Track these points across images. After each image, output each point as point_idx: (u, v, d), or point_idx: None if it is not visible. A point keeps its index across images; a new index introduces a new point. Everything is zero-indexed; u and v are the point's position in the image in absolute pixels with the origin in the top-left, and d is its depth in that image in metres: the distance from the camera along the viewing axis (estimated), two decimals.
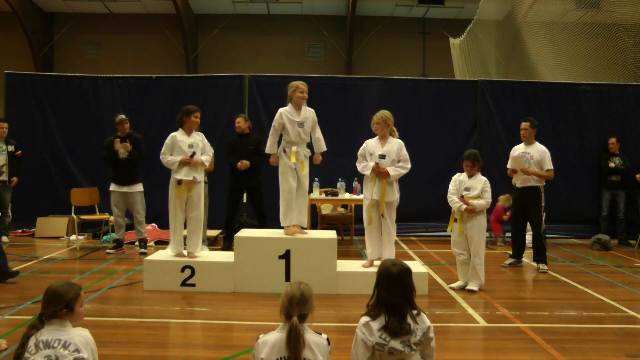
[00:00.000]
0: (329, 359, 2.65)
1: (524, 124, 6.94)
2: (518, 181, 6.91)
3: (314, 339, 2.61)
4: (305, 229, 6.04)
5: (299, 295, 2.60)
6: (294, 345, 2.51)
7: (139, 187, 7.66)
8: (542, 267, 6.76)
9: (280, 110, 5.77)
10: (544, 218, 6.85)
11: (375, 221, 5.66)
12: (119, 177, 7.55)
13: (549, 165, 6.77)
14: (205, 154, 6.04)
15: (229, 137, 8.14)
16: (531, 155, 6.78)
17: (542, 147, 6.86)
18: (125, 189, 7.55)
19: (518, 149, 6.97)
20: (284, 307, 2.62)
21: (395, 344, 2.65)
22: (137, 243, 7.81)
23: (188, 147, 5.88)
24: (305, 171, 5.81)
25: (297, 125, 5.69)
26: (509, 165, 7.02)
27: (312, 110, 5.81)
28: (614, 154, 9.17)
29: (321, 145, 5.87)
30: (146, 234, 7.83)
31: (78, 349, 2.59)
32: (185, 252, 5.89)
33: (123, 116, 7.66)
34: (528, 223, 7.10)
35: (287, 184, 5.77)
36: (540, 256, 6.84)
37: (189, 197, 5.88)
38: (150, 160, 8.01)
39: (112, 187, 7.60)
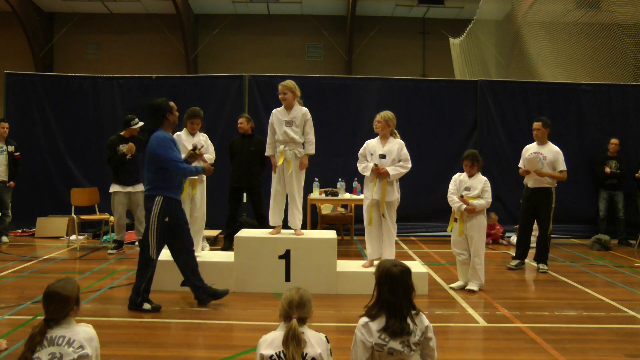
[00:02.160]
0: (330, 357, 2.69)
1: (536, 124, 6.83)
2: (530, 181, 6.82)
3: (314, 335, 2.68)
4: (303, 229, 6.04)
5: (297, 298, 2.68)
6: (292, 344, 2.56)
7: (141, 187, 7.67)
8: (543, 267, 6.74)
9: (273, 110, 5.83)
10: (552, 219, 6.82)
11: (375, 221, 5.66)
12: (124, 178, 7.55)
13: (562, 166, 6.69)
14: (208, 154, 6.08)
15: (229, 137, 8.14)
16: (544, 156, 6.71)
17: (556, 148, 6.77)
18: (129, 189, 7.58)
19: (530, 149, 6.86)
20: (283, 310, 2.69)
21: (395, 344, 2.65)
22: (137, 243, 7.81)
23: (191, 146, 5.92)
24: (291, 171, 5.70)
25: (284, 125, 5.67)
26: (521, 165, 6.94)
27: (305, 109, 5.75)
28: (612, 156, 9.11)
29: (308, 147, 5.75)
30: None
31: (82, 345, 2.60)
32: None
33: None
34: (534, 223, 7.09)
35: (273, 185, 5.83)
36: (542, 256, 6.81)
37: (193, 196, 5.89)
38: None
39: (116, 188, 7.59)
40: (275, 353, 2.58)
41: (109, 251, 7.62)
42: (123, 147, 7.55)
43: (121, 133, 7.66)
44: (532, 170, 6.72)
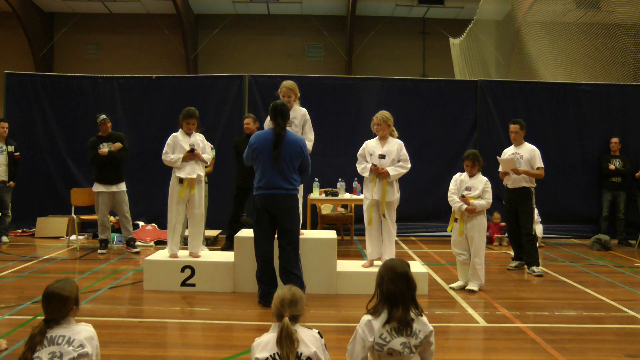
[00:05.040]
0: (326, 351, 2.69)
1: (513, 126, 6.87)
2: (509, 182, 6.84)
3: (306, 333, 2.68)
4: (303, 229, 6.03)
5: (289, 296, 2.68)
6: (285, 343, 2.56)
7: (124, 186, 7.70)
8: (536, 269, 6.60)
9: None
10: (536, 219, 6.79)
11: (375, 221, 5.66)
12: (106, 177, 7.55)
13: (539, 163, 6.70)
14: (206, 154, 6.08)
15: (229, 137, 8.14)
16: (521, 155, 6.73)
17: (532, 147, 6.80)
18: (113, 189, 7.58)
19: (508, 151, 6.95)
20: (276, 309, 2.69)
21: (395, 344, 2.64)
22: (123, 241, 7.82)
23: (188, 147, 5.93)
24: None
25: None
26: (500, 169, 6.96)
27: (304, 110, 5.78)
28: (615, 155, 9.17)
29: (309, 145, 5.74)
30: (142, 234, 7.84)
31: (82, 344, 2.61)
32: (179, 254, 5.89)
33: (104, 116, 7.67)
34: None
35: None
36: (531, 258, 6.68)
37: (191, 196, 5.90)
38: (150, 160, 8.02)
39: (99, 187, 7.58)
40: (270, 355, 2.57)
41: (99, 252, 7.60)
42: (104, 147, 7.57)
43: (100, 133, 7.67)
44: (509, 170, 6.72)
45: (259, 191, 4.98)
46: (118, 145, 7.53)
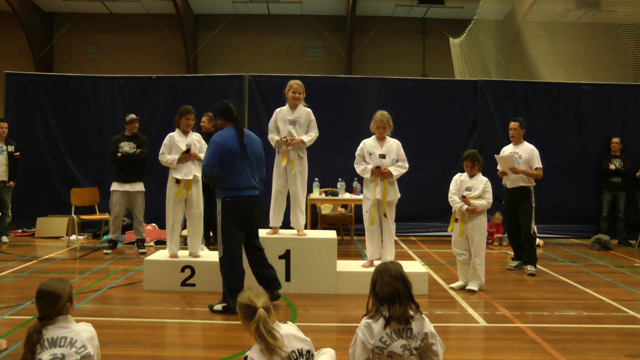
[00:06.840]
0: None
1: (513, 124, 6.87)
2: (508, 182, 6.85)
3: (287, 328, 2.65)
4: (305, 229, 6.04)
5: (251, 290, 2.70)
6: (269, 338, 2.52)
7: (140, 187, 7.67)
8: (530, 268, 6.60)
9: (277, 109, 5.81)
10: (533, 219, 6.79)
11: (375, 221, 5.66)
12: (121, 176, 7.58)
13: (537, 163, 6.69)
14: (203, 153, 6.08)
15: None
16: (520, 155, 6.73)
17: (531, 146, 6.79)
18: (126, 187, 7.57)
19: (507, 150, 6.94)
20: (246, 308, 2.63)
21: (395, 347, 2.63)
22: (136, 244, 7.81)
23: (185, 147, 5.93)
24: (295, 171, 5.69)
25: (288, 124, 5.66)
26: (499, 168, 6.96)
27: (309, 110, 5.78)
28: (615, 155, 9.17)
29: (305, 137, 5.69)
30: (145, 234, 7.85)
31: (84, 345, 2.61)
32: (179, 254, 5.89)
33: (133, 116, 7.74)
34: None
35: (274, 185, 5.78)
36: (528, 257, 6.68)
37: (189, 196, 5.90)
38: (150, 160, 8.00)
39: (114, 186, 7.62)
40: None
41: (105, 251, 7.61)
42: (125, 146, 7.62)
43: (126, 133, 7.76)
44: (507, 169, 6.71)
45: (237, 192, 4.71)
46: (137, 151, 7.62)
